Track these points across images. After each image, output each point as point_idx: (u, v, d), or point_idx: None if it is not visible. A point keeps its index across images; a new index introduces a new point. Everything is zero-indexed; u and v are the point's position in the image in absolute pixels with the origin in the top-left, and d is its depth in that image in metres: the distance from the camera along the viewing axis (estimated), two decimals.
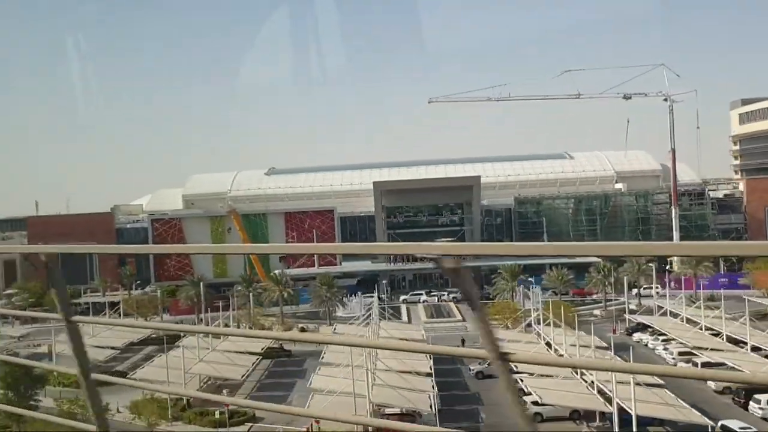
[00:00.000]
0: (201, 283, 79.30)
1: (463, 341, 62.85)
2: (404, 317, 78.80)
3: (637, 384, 38.74)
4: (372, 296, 76.11)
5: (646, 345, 61.10)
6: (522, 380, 46.47)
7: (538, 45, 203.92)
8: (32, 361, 32.91)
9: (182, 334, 57.44)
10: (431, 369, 49.06)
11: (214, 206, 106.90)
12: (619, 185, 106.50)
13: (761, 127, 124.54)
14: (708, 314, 60.12)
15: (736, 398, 44.78)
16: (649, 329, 64.12)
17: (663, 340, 59.98)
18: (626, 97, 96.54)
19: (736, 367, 45.59)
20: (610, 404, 40.50)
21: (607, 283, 76.90)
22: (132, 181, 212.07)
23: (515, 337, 60.07)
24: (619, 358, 48.21)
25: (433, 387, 45.87)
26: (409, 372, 47.61)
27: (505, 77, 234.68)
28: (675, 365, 51.07)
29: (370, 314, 63.41)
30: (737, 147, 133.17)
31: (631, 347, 54.05)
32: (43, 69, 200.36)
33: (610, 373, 38.65)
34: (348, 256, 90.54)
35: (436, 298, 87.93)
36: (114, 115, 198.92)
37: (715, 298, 68.68)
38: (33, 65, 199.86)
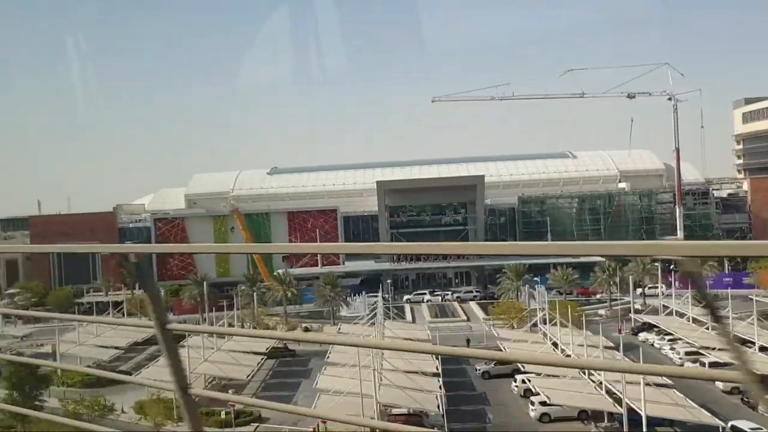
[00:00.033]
0: (204, 283, 79.03)
1: (468, 341, 62.70)
2: (408, 317, 78.51)
3: (647, 384, 38.50)
4: (375, 296, 75.99)
5: (652, 345, 60.81)
6: (530, 380, 46.33)
7: (538, 45, 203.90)
8: (37, 360, 32.72)
9: (187, 333, 57.07)
10: (438, 369, 48.75)
11: (217, 206, 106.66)
12: (622, 185, 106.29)
13: (765, 126, 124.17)
14: None
15: (746, 398, 44.44)
16: (655, 329, 63.84)
17: (669, 340, 59.72)
18: (630, 96, 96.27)
19: None
20: (619, 404, 40.28)
21: (612, 282, 76.65)
22: (132, 181, 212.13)
23: (521, 336, 59.91)
24: (627, 359, 47.95)
25: (440, 387, 45.59)
26: (416, 372, 47.31)
27: (505, 77, 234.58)
28: (682, 365, 51.05)
29: (375, 314, 63.11)
30: (740, 146, 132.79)
31: (640, 347, 53.84)
32: (43, 69, 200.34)
33: (619, 373, 38.29)
34: (351, 256, 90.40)
35: (440, 298, 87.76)
36: (114, 115, 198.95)
37: (719, 297, 68.37)
38: (33, 65, 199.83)
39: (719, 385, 46.14)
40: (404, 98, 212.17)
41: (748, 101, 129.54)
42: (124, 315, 73.83)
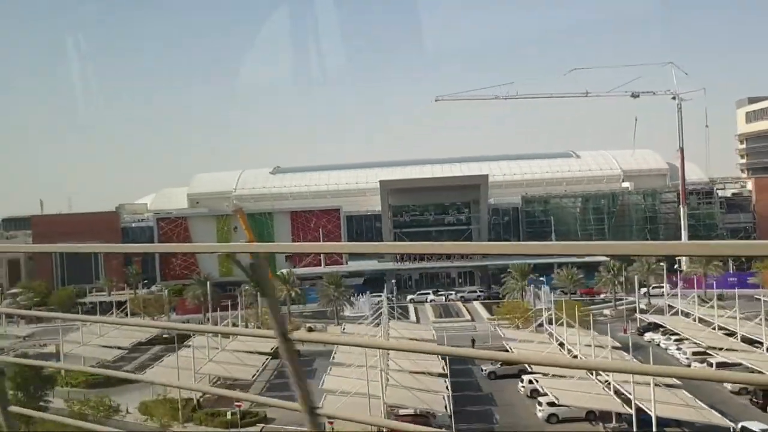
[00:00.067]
0: (208, 282, 78.79)
1: (473, 341, 62.37)
2: (412, 317, 78.27)
3: (655, 385, 38.24)
4: (379, 296, 75.78)
5: (658, 345, 60.49)
6: (537, 381, 46.06)
7: (538, 45, 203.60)
8: (42, 362, 32.48)
9: (192, 333, 56.89)
10: (444, 369, 48.47)
11: (219, 205, 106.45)
12: (625, 184, 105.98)
13: None
14: (721, 314, 59.57)
15: (754, 399, 44.22)
16: (661, 329, 63.55)
17: (675, 340, 59.41)
18: (634, 96, 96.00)
19: (753, 367, 44.99)
20: (627, 405, 40.03)
21: (616, 282, 76.39)
22: (132, 181, 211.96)
23: (527, 337, 59.64)
24: (635, 359, 47.70)
25: (447, 388, 45.31)
26: (422, 372, 47.06)
27: (505, 77, 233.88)
28: (689, 365, 50.81)
29: (380, 314, 62.81)
30: (743, 145, 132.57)
31: (649, 348, 53.55)
32: (43, 69, 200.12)
33: (628, 374, 37.98)
34: (354, 256, 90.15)
35: (444, 298, 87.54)
36: (114, 115, 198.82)
37: (724, 297, 68.18)
38: (33, 65, 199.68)
39: (727, 385, 45.86)
40: (404, 98, 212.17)
41: (752, 100, 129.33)
42: (127, 315, 73.55)
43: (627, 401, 40.33)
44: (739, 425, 37.97)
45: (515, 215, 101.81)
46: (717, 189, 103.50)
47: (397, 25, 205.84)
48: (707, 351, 53.32)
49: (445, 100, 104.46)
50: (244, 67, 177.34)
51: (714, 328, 58.24)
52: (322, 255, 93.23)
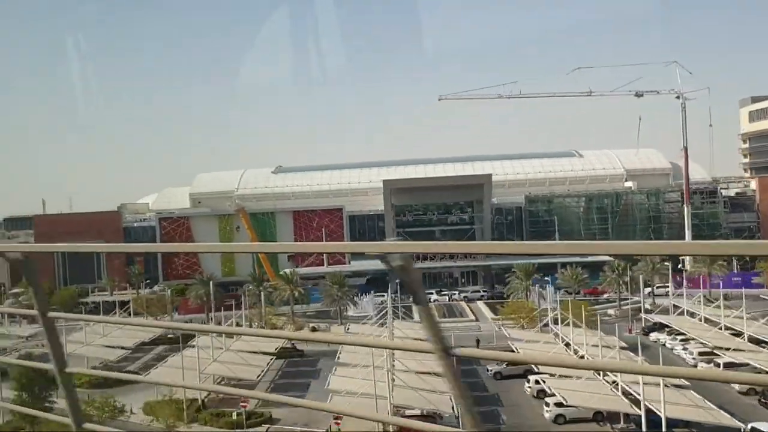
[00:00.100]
0: (211, 282, 78.56)
1: (478, 342, 62.12)
2: (416, 317, 77.87)
3: (656, 384, 38.00)
4: (382, 295, 75.52)
5: (664, 345, 60.19)
6: (544, 381, 45.79)
7: (538, 45, 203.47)
8: (46, 364, 32.09)
9: (196, 333, 56.63)
10: None
11: (222, 205, 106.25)
12: (628, 183, 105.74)
13: None
14: (727, 314, 59.28)
15: (763, 399, 43.98)
16: (667, 329, 63.24)
17: (681, 340, 59.10)
18: (638, 95, 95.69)
19: (761, 368, 44.75)
20: (635, 405, 39.78)
21: (621, 282, 76.14)
22: (132, 181, 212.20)
23: (533, 337, 59.37)
24: (643, 360, 47.47)
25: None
26: (428, 373, 46.75)
27: (505, 77, 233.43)
28: (695, 365, 50.56)
29: (385, 313, 62.53)
30: (746, 145, 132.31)
31: (659, 349, 53.30)
32: (43, 69, 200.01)
33: (636, 375, 37.70)
34: (356, 255, 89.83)
35: (447, 298, 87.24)
36: (114, 115, 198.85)
37: (728, 297, 67.86)
38: (33, 65, 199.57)
39: (735, 386, 45.58)
40: (404, 98, 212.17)
41: (755, 100, 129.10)
42: (130, 314, 73.31)
43: (635, 402, 40.08)
44: (749, 426, 37.70)
45: (518, 215, 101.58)
46: (720, 188, 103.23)
47: (397, 25, 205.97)
48: (714, 351, 53.04)
49: (448, 99, 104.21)
50: (244, 67, 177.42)
51: (720, 328, 57.95)
52: (324, 255, 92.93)
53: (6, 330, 75.32)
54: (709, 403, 39.34)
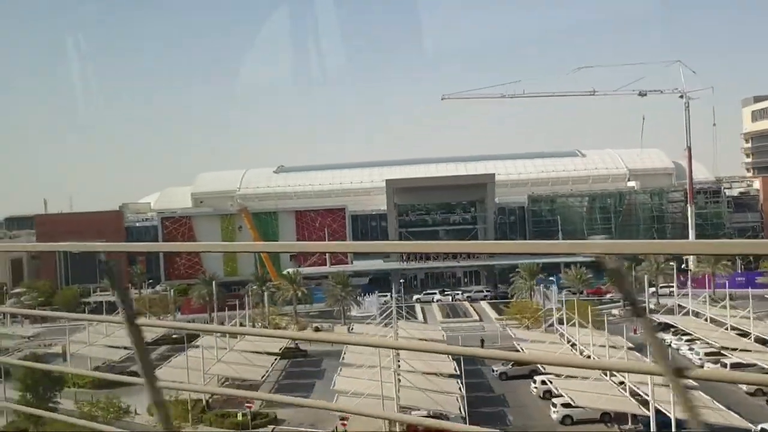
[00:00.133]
0: (213, 282, 78.29)
1: (482, 342, 61.86)
2: (420, 317, 77.72)
3: (667, 386, 37.68)
4: (385, 295, 75.33)
5: (669, 345, 59.93)
6: (551, 381, 45.56)
7: (538, 45, 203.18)
8: (50, 366, 31.95)
9: (200, 333, 56.39)
10: (456, 370, 47.93)
11: (223, 204, 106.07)
12: (631, 183, 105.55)
13: None
14: (733, 314, 59.03)
15: None
16: (672, 329, 62.97)
17: (687, 341, 58.83)
18: (642, 94, 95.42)
19: None
20: (643, 406, 39.53)
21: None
22: (132, 181, 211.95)
23: (538, 337, 59.15)
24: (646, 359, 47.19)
25: (460, 389, 44.81)
26: (435, 373, 46.58)
27: (505, 77, 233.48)
28: (702, 366, 50.28)
29: (390, 313, 62.28)
30: (749, 144, 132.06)
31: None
32: (43, 69, 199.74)
33: (645, 375, 37.45)
34: (359, 255, 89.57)
35: (450, 298, 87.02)
36: (114, 115, 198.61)
37: (733, 297, 67.65)
38: (33, 65, 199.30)
39: (742, 386, 45.36)
40: (404, 98, 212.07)
41: (757, 99, 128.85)
42: None
43: (643, 402, 39.84)
44: (759, 427, 37.48)
45: (521, 214, 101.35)
46: (724, 188, 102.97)
47: (397, 25, 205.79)
48: (720, 351, 52.78)
49: (451, 99, 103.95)
50: (245, 67, 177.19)
51: (726, 329, 57.70)
52: (327, 254, 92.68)
53: (8, 330, 75.02)
54: (718, 404, 39.10)
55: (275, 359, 56.43)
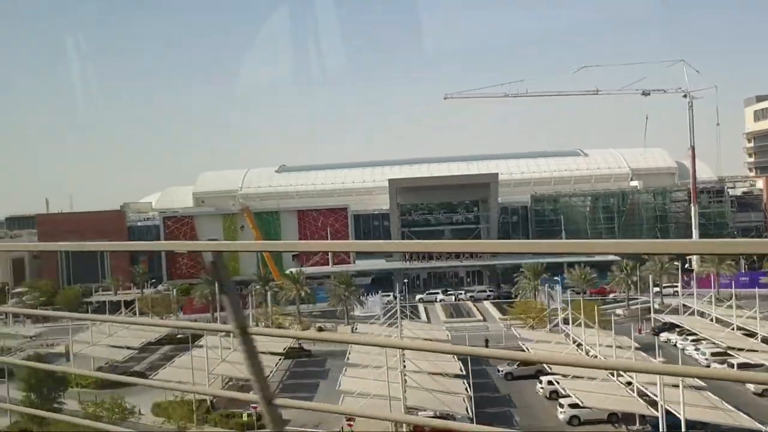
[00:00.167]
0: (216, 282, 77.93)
1: (486, 342, 61.66)
2: (423, 317, 77.45)
3: (675, 386, 37.52)
4: (388, 295, 75.14)
5: (675, 345, 59.69)
6: (558, 382, 45.30)
7: (538, 45, 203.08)
8: (55, 366, 31.69)
9: (204, 333, 56.11)
10: (462, 371, 47.65)
11: (225, 204, 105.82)
12: (634, 183, 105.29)
13: None
14: (739, 314, 58.75)
15: None
16: (677, 329, 62.70)
17: (693, 341, 58.55)
18: (645, 93, 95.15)
19: None
20: (651, 406, 39.28)
21: (629, 282, 75.63)
22: (132, 181, 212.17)
23: (543, 337, 58.88)
24: (655, 360, 46.97)
25: (466, 389, 44.54)
26: (441, 374, 46.30)
27: (505, 77, 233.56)
28: (708, 366, 50.04)
29: (394, 313, 62.03)
30: (751, 144, 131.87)
31: (671, 349, 52.77)
32: (43, 69, 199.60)
33: (654, 375, 37.22)
34: (361, 255, 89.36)
35: (453, 297, 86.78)
36: (114, 115, 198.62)
37: (737, 297, 67.28)
38: (33, 65, 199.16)
39: (750, 387, 45.14)
40: (404, 98, 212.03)
41: (760, 99, 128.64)
42: (136, 314, 72.78)
43: (651, 403, 39.59)
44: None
45: (524, 214, 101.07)
46: (727, 188, 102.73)
47: (397, 25, 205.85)
48: (727, 351, 52.50)
49: (453, 98, 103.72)
50: (245, 67, 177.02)
51: (733, 329, 57.44)
52: (330, 254, 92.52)
53: (10, 330, 74.73)
54: (727, 404, 38.87)
55: (279, 359, 56.13)
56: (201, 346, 52.95)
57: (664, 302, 72.87)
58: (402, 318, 64.66)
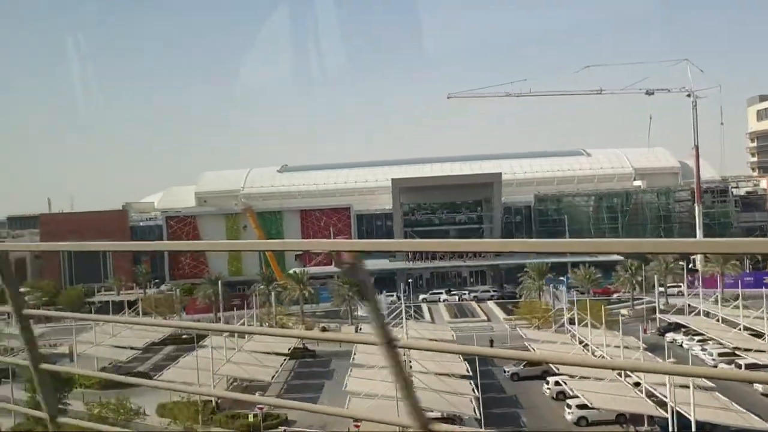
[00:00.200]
0: (219, 282, 77.80)
1: (491, 342, 61.37)
2: (427, 317, 77.20)
3: (685, 386, 37.27)
4: (391, 295, 74.92)
5: (681, 345, 59.43)
6: (565, 382, 45.05)
7: (539, 45, 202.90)
8: (59, 367, 31.36)
9: (207, 333, 55.89)
10: (468, 371, 47.38)
11: (228, 204, 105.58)
12: (637, 182, 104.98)
13: None
14: (746, 314, 58.46)
15: None
16: (683, 329, 62.43)
17: (699, 341, 58.26)
18: (649, 93, 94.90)
19: None
20: (660, 407, 39.02)
21: (634, 282, 75.38)
22: (132, 181, 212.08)
23: (549, 337, 58.63)
24: (660, 360, 46.73)
25: (473, 390, 44.26)
26: (447, 374, 46.04)
27: (505, 77, 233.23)
28: (715, 367, 49.77)
29: (398, 313, 61.78)
30: (754, 144, 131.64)
31: (677, 349, 52.50)
32: (43, 69, 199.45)
33: (665, 376, 36.95)
34: (364, 255, 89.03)
35: (457, 297, 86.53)
36: (114, 115, 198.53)
37: (742, 297, 67.01)
38: (33, 65, 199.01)
39: (758, 387, 44.86)
40: (404, 98, 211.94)
41: (763, 98, 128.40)
42: (139, 314, 72.54)
43: (660, 403, 39.34)
44: None
45: (527, 214, 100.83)
46: (731, 188, 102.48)
47: (397, 25, 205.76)
48: (734, 352, 52.22)
49: (456, 97, 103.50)
50: (245, 67, 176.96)
51: (740, 329, 57.17)
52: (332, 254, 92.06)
53: (13, 330, 74.37)
54: (736, 405, 38.62)
55: (284, 359, 55.92)
56: (205, 347, 52.70)
57: (669, 302, 72.64)
58: (406, 318, 64.58)
